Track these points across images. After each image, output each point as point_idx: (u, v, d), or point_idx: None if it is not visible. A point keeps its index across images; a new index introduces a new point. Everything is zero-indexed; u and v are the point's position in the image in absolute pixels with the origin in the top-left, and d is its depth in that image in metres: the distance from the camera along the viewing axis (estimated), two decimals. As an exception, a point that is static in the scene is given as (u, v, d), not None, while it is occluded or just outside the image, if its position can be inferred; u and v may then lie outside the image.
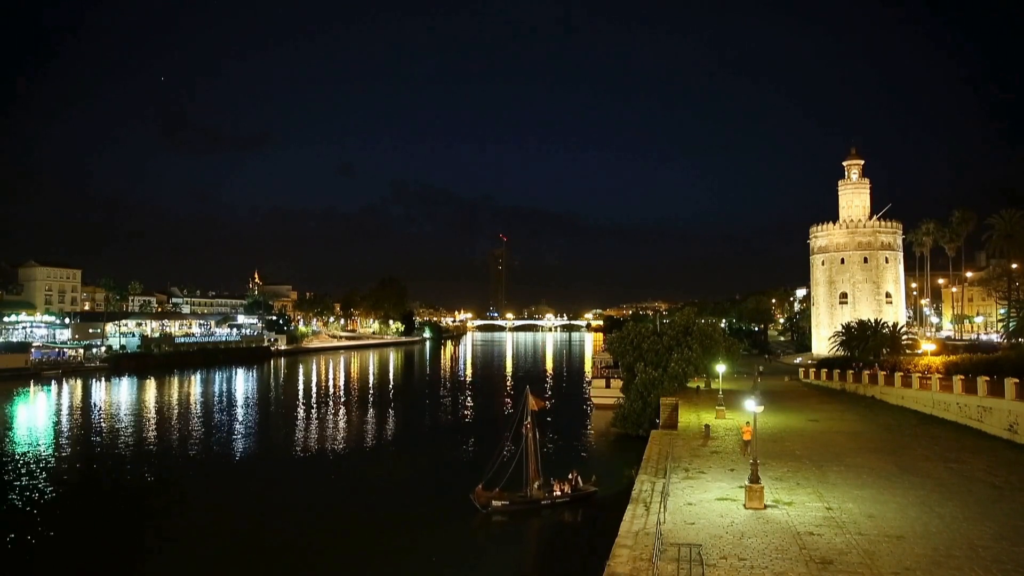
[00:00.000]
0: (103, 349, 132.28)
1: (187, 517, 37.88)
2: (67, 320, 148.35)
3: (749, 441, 28.63)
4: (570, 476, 40.20)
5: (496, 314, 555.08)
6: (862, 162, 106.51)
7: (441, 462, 52.42)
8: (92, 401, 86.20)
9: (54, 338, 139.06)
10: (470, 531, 35.69)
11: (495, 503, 37.65)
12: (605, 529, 26.26)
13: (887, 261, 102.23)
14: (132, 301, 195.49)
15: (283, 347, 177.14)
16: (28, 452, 53.85)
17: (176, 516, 38.21)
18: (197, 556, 31.88)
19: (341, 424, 70.04)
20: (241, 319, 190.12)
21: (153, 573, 30.62)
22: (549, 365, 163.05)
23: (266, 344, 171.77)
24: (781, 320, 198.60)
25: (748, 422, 28.60)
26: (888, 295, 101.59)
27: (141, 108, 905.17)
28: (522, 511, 37.92)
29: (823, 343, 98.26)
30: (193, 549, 32.89)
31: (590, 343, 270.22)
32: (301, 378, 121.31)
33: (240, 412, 77.00)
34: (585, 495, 39.55)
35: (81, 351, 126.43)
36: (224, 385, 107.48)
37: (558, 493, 38.87)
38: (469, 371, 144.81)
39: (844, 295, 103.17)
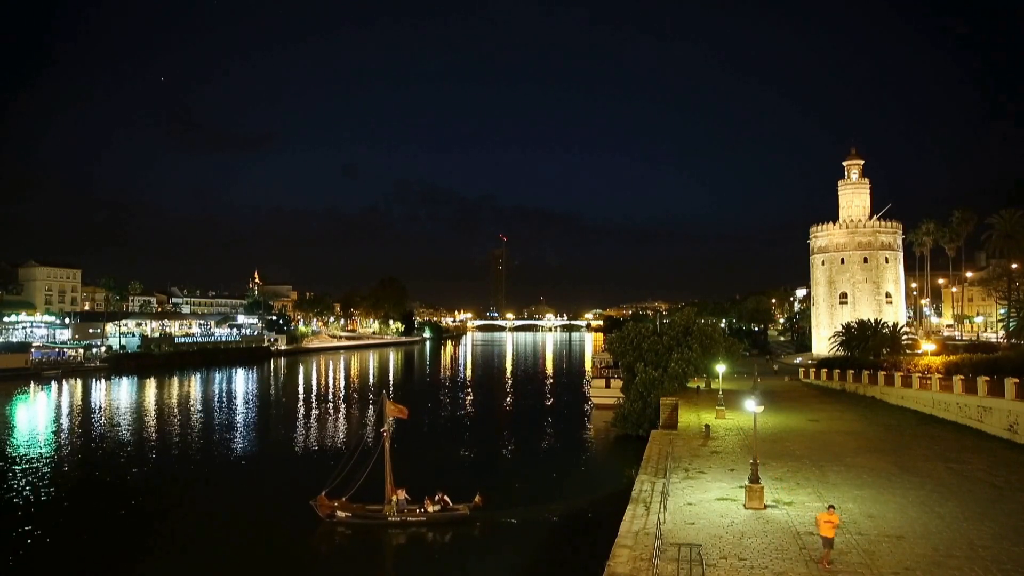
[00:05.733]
0: (103, 349, 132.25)
1: (185, 517, 37.78)
2: (67, 320, 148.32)
3: (832, 539, 19.42)
4: (437, 497, 35.88)
5: (496, 314, 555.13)
6: (862, 162, 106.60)
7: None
8: (92, 401, 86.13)
9: (54, 338, 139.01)
10: (307, 542, 33.34)
11: (339, 513, 34.70)
12: (605, 529, 26.21)
13: (887, 261, 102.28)
14: (132, 301, 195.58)
15: (283, 347, 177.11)
16: (28, 452, 53.79)
17: (174, 516, 38.08)
18: (194, 555, 31.89)
19: (337, 425, 69.95)
20: (241, 319, 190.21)
21: (152, 573, 30.60)
22: (549, 365, 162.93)
23: (266, 344, 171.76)
24: (781, 320, 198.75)
25: (830, 507, 20.70)
26: (888, 295, 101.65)
27: (145, 108, 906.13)
28: (367, 526, 34.68)
29: (823, 343, 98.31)
30: (189, 549, 32.86)
31: (590, 343, 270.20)
32: (301, 378, 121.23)
33: (239, 412, 76.91)
34: (451, 518, 35.10)
35: (81, 351, 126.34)
36: (224, 385, 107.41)
37: (419, 511, 35.20)
38: (468, 372, 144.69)
39: (844, 295, 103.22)
